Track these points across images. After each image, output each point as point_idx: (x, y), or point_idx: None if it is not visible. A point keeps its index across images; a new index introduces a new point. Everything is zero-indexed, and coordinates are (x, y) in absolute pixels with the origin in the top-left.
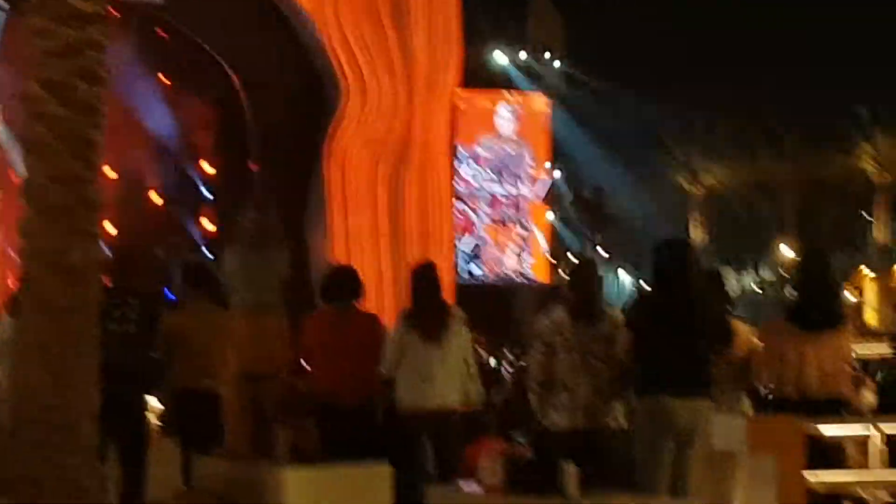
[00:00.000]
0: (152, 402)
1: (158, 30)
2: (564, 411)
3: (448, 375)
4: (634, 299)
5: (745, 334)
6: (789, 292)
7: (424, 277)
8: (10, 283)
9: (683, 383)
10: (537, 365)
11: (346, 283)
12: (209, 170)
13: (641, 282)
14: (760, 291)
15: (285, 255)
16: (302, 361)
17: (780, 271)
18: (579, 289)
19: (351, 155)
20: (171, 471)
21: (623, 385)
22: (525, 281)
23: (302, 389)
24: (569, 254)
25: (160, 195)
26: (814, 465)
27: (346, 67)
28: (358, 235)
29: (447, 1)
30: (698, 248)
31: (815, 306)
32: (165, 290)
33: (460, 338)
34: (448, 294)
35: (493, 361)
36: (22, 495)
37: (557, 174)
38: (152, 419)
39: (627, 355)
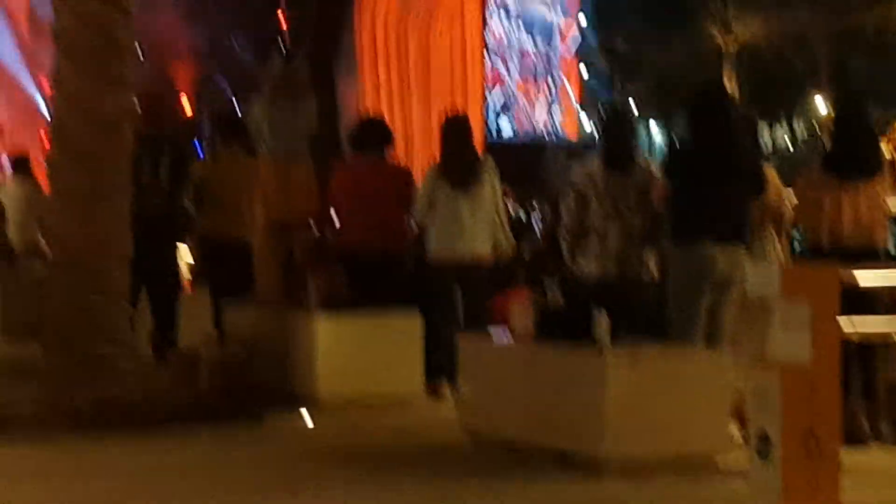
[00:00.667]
0: (183, 250)
1: None
2: (596, 259)
3: (478, 225)
4: (672, 145)
5: (775, 180)
6: (826, 143)
7: (455, 128)
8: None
9: (722, 230)
10: (570, 214)
11: (375, 133)
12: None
13: (673, 134)
14: (793, 147)
15: (314, 105)
16: (331, 211)
17: (814, 126)
18: (612, 138)
19: (382, 4)
20: (202, 318)
21: (655, 234)
22: (555, 135)
23: (331, 238)
24: (600, 106)
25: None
26: (848, 313)
27: None
28: (388, 86)
29: None
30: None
31: (852, 154)
32: (195, 140)
33: (491, 187)
34: (479, 149)
35: (523, 214)
36: (52, 335)
37: (587, 22)
38: (183, 267)
39: (662, 204)
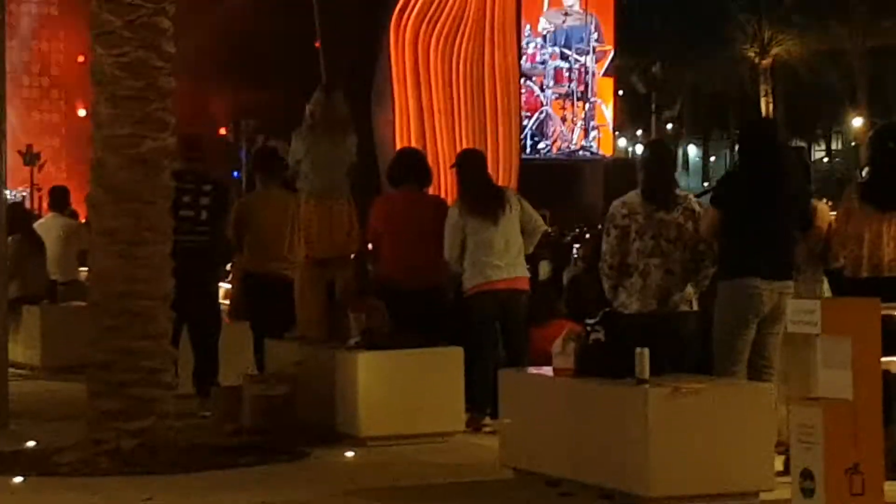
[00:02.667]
0: (224, 286)
1: None
2: (636, 294)
3: (512, 253)
4: (722, 177)
5: (825, 213)
6: (862, 162)
7: (471, 161)
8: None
9: (770, 266)
10: (610, 249)
11: (414, 168)
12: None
13: (711, 157)
14: (830, 161)
15: (354, 140)
16: (371, 246)
17: (851, 139)
18: (652, 173)
19: (417, 31)
20: (242, 354)
21: (696, 268)
22: (590, 155)
23: (372, 274)
24: (638, 133)
25: (226, 77)
26: (889, 348)
27: None
28: (424, 112)
29: None
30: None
31: (889, 184)
32: (234, 172)
33: (517, 213)
34: (515, 170)
35: (560, 236)
36: (97, 378)
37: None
38: (223, 303)
39: (707, 236)
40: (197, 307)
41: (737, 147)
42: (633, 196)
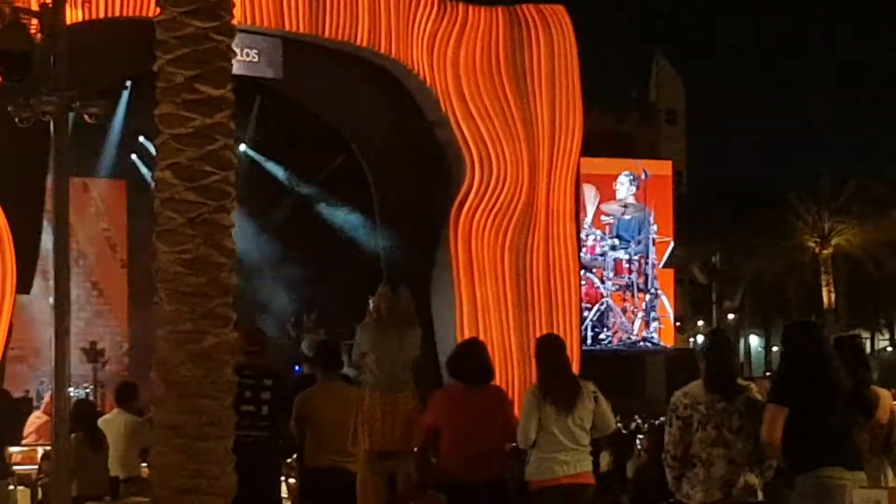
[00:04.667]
0: (286, 480)
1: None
2: (700, 485)
3: (580, 447)
4: (781, 372)
5: (887, 401)
6: None
7: (550, 349)
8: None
9: (849, 456)
10: (672, 439)
11: (478, 364)
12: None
13: (773, 347)
14: (894, 353)
15: (418, 334)
16: (432, 437)
17: None
18: (715, 363)
19: (477, 225)
20: None
21: (760, 458)
22: (651, 346)
23: (434, 466)
24: (699, 323)
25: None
26: None
27: (469, 139)
28: (485, 305)
29: (568, 68)
30: (828, 314)
31: None
32: (296, 367)
33: (591, 407)
34: (575, 362)
35: (623, 428)
36: None
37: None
38: (286, 497)
39: (768, 435)
40: (258, 503)
41: (780, 348)
42: (696, 386)
